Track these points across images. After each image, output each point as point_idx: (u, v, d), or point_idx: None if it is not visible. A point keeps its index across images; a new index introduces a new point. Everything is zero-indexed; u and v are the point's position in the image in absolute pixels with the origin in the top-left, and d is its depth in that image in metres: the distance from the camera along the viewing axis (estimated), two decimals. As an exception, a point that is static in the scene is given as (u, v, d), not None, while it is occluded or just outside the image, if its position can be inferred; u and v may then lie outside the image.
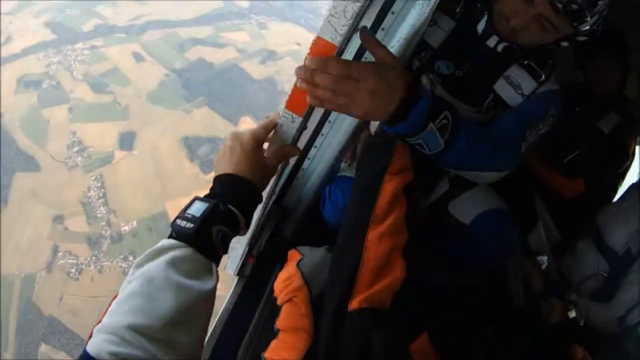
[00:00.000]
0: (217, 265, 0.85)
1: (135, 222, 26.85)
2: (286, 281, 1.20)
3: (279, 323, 1.18)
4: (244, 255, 1.54)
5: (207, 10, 38.51)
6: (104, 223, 26.78)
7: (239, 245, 1.50)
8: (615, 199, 2.24)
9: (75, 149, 29.20)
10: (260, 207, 1.18)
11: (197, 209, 0.85)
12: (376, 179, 1.01)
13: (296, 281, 1.18)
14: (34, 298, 24.24)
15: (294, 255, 1.30)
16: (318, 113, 1.18)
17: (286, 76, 32.64)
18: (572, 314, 1.78)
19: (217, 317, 1.53)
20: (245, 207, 0.94)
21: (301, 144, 1.25)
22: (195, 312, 0.75)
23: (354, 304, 0.89)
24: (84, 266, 25.33)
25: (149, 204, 27.40)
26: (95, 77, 33.02)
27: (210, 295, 0.79)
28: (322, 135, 1.28)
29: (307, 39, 29.90)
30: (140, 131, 30.49)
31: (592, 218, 1.98)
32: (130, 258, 25.25)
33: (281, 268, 1.31)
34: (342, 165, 1.69)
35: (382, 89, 0.91)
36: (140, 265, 0.77)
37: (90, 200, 27.42)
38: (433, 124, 1.01)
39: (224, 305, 1.55)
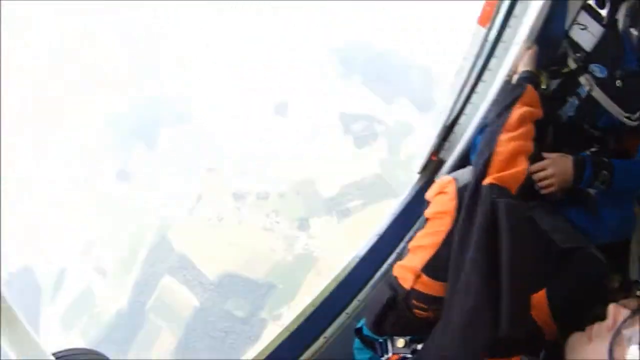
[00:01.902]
0: None
1: (283, 184, 27.21)
2: (437, 182, 1.56)
3: (428, 211, 1.46)
4: (429, 155, 2.30)
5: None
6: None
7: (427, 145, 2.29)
8: None
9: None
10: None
11: None
12: (508, 104, 1.35)
13: (446, 179, 1.48)
14: (169, 234, 26.95)
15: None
16: (471, 74, 1.96)
17: (441, 67, 30.44)
18: None
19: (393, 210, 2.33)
20: None
21: (458, 102, 2.04)
22: None
23: (486, 181, 1.20)
24: (225, 215, 26.90)
25: (300, 169, 27.75)
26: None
27: None
28: (476, 92, 1.99)
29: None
30: (295, 99, 30.95)
31: None
32: (272, 216, 25.98)
33: None
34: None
35: (562, 174, 1.69)
36: None
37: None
38: (598, 183, 1.69)
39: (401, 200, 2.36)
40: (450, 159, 2.25)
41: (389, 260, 2.20)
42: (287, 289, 23.67)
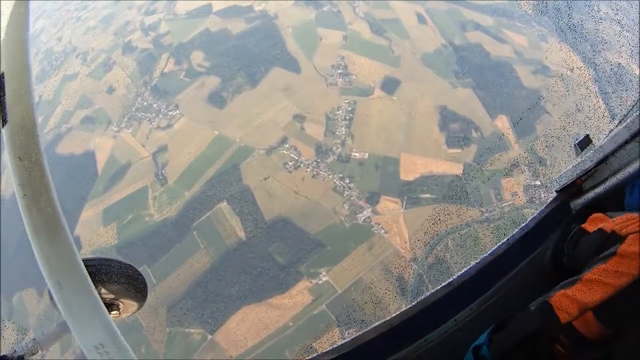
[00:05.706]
0: None
1: (367, 154, 27.78)
2: (632, 219, 1.41)
3: (624, 248, 1.32)
4: (575, 177, 2.12)
5: (493, 2, 38.47)
6: (338, 141, 28.75)
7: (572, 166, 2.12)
8: None
9: (339, 71, 32.18)
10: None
11: None
12: None
13: None
14: (241, 166, 27.55)
15: (600, 216, 1.66)
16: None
17: (550, 96, 30.98)
18: None
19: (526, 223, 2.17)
20: None
21: (623, 135, 1.80)
22: None
23: None
24: (301, 165, 27.52)
25: (386, 146, 28.34)
26: (376, 19, 35.74)
27: None
28: None
29: (579, 68, 31.77)
30: (405, 82, 31.66)
31: None
32: (347, 181, 26.26)
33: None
34: None
35: None
36: None
37: (336, 117, 29.85)
38: None
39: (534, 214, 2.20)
40: (594, 190, 2.07)
41: (510, 275, 2.10)
42: (333, 253, 23.84)
